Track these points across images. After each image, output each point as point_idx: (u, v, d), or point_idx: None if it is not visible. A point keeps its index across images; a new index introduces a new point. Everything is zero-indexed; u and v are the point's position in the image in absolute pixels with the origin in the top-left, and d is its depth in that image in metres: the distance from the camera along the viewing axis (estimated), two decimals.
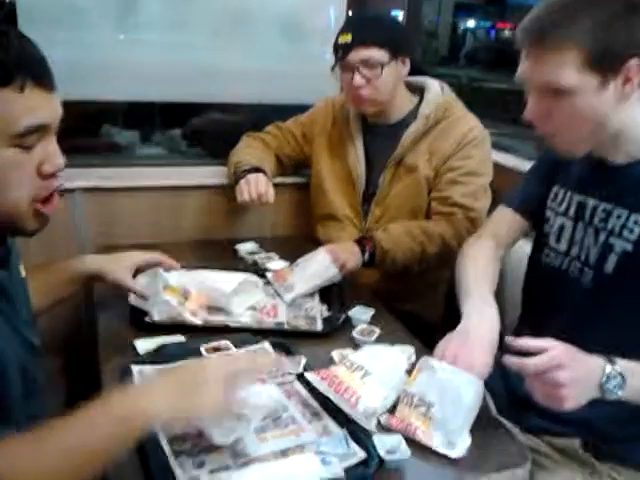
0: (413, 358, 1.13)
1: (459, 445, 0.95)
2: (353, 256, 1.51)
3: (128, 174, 1.84)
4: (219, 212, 1.93)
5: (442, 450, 0.94)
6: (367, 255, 1.54)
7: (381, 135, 1.74)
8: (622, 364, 0.94)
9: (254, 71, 2.00)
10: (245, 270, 1.49)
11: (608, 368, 0.92)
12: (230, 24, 2.00)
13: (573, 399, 0.91)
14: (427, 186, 1.68)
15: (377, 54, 1.58)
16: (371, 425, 0.98)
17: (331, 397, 1.01)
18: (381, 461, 0.90)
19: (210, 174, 1.93)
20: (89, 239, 1.77)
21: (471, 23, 11.00)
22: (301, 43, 2.11)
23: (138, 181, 1.83)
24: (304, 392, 1.07)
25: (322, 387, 1.03)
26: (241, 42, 2.01)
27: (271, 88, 2.04)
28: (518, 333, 1.28)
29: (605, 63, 0.98)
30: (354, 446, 0.92)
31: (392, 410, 1.02)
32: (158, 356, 1.14)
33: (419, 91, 1.74)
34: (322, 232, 1.82)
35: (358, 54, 1.57)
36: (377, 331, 1.28)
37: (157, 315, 1.26)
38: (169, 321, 1.26)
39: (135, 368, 1.09)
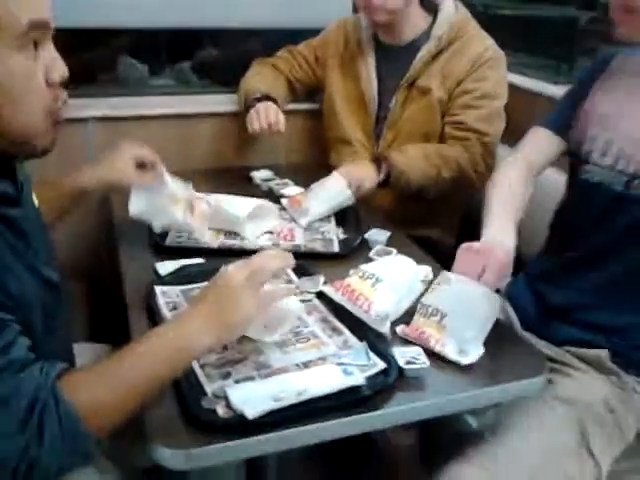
0: (430, 276, 1.15)
1: (471, 354, 0.98)
2: (369, 177, 1.51)
3: (139, 103, 1.84)
4: (232, 140, 1.92)
5: (453, 357, 0.98)
6: (382, 175, 1.54)
7: (393, 56, 1.71)
8: None
9: None
10: (260, 197, 1.49)
11: None
12: None
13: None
14: (440, 109, 1.66)
15: None
16: (384, 329, 1.02)
17: (346, 305, 1.05)
18: (400, 371, 0.93)
19: (221, 101, 1.91)
20: None
21: None
22: None
23: (149, 110, 1.82)
24: (324, 309, 1.09)
25: (337, 297, 1.07)
26: None
27: (279, 11, 1.99)
28: (542, 258, 1.31)
29: None
30: (374, 357, 0.95)
31: (408, 321, 1.05)
32: (179, 277, 1.16)
33: (433, 11, 1.69)
34: (335, 157, 1.81)
35: None
36: (394, 252, 1.30)
37: (159, 228, 1.28)
38: (184, 243, 1.29)
39: (158, 289, 1.12)
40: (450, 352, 0.98)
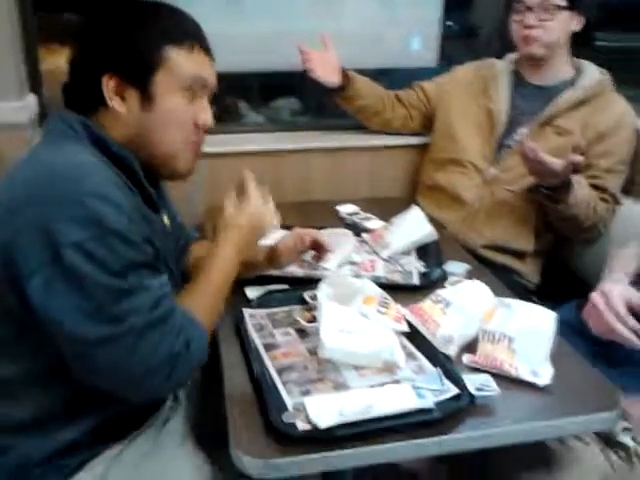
0: None
1: (544, 375, 1.01)
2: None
3: (234, 140, 1.97)
4: (320, 174, 2.01)
5: (529, 379, 1.01)
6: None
7: (532, 93, 1.79)
8: None
9: (354, 36, 2.05)
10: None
11: None
12: None
13: None
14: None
15: None
16: (449, 350, 1.07)
17: (417, 327, 1.12)
18: (472, 397, 0.96)
19: (311, 138, 2.02)
20: (198, 199, 1.91)
21: None
22: (401, 4, 2.12)
23: (242, 146, 1.95)
24: (401, 335, 1.14)
25: (411, 319, 1.14)
26: (341, 7, 2.07)
27: (370, 52, 2.10)
28: None
29: None
30: (448, 383, 0.99)
31: (472, 350, 1.09)
32: (266, 301, 1.25)
33: (576, 69, 1.78)
34: (442, 177, 1.86)
35: None
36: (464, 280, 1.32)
37: None
38: (276, 272, 1.37)
39: (246, 312, 1.21)
40: (525, 375, 1.01)
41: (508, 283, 1.47)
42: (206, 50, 1.04)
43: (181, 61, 0.99)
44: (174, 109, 1.00)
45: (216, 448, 1.01)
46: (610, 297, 1.12)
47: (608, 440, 1.13)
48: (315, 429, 0.88)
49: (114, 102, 0.98)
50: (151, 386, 0.92)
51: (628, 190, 1.74)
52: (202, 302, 1.02)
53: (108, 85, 0.97)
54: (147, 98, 0.98)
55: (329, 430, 0.87)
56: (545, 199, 1.63)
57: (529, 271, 1.79)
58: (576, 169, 1.56)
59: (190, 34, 1.02)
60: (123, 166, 0.98)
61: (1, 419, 0.96)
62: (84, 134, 0.97)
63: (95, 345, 0.86)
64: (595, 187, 1.67)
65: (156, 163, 1.03)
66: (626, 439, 1.12)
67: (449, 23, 2.21)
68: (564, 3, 1.65)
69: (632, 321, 1.11)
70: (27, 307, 0.86)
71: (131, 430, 1.07)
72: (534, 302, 1.13)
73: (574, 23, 1.69)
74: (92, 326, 0.85)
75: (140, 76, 0.98)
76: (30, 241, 0.84)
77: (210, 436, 1.05)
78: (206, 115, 1.04)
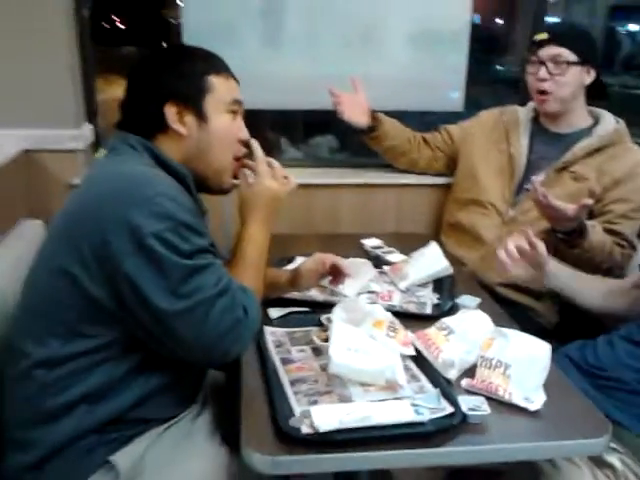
0: None
1: (536, 401, 1.09)
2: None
3: None
4: (349, 209, 2.14)
5: (522, 404, 1.08)
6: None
7: (549, 140, 1.89)
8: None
9: (384, 79, 2.18)
10: None
11: None
12: (362, 36, 2.20)
13: None
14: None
15: (566, 53, 1.75)
16: (449, 374, 1.15)
17: (422, 351, 1.21)
18: (464, 416, 1.04)
19: (342, 174, 2.16)
20: (232, 228, 2.04)
21: (631, 26, 10.34)
22: (430, 51, 2.25)
23: None
24: (407, 358, 1.23)
25: (417, 344, 1.23)
26: (372, 52, 2.21)
27: (401, 95, 2.23)
28: None
29: None
30: (444, 402, 1.07)
31: (471, 375, 1.17)
32: (286, 321, 1.37)
33: (594, 118, 1.87)
34: (465, 216, 1.95)
35: (549, 50, 1.76)
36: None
37: None
38: (298, 296, 1.48)
39: (267, 329, 1.32)
40: (518, 400, 1.09)
41: (525, 321, 1.54)
42: (235, 78, 1.27)
43: (222, 86, 1.22)
44: (224, 127, 1.23)
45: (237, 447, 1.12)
46: None
47: (597, 461, 1.19)
48: (317, 433, 0.97)
49: (176, 125, 1.18)
50: (224, 349, 1.09)
51: None
52: (248, 274, 1.20)
53: (170, 111, 1.18)
54: (202, 118, 1.20)
55: (329, 434, 0.97)
56: (560, 243, 1.70)
57: (546, 310, 1.84)
58: (591, 213, 1.64)
59: (224, 66, 1.25)
60: (178, 179, 1.17)
61: (58, 392, 1.09)
62: (144, 151, 1.17)
63: (174, 318, 1.04)
64: (611, 232, 1.73)
65: (207, 178, 1.24)
66: (614, 460, 1.17)
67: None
68: (575, 59, 1.74)
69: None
70: (115, 296, 1.05)
71: (169, 413, 1.21)
72: (550, 342, 1.16)
73: (586, 77, 1.79)
74: (173, 302, 1.03)
75: (195, 100, 1.19)
76: (118, 237, 1.03)
77: (233, 435, 1.16)
78: (244, 131, 1.27)
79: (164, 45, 1.53)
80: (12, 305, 1.21)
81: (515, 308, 1.73)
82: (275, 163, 1.30)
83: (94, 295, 1.06)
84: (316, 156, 2.53)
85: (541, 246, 1.43)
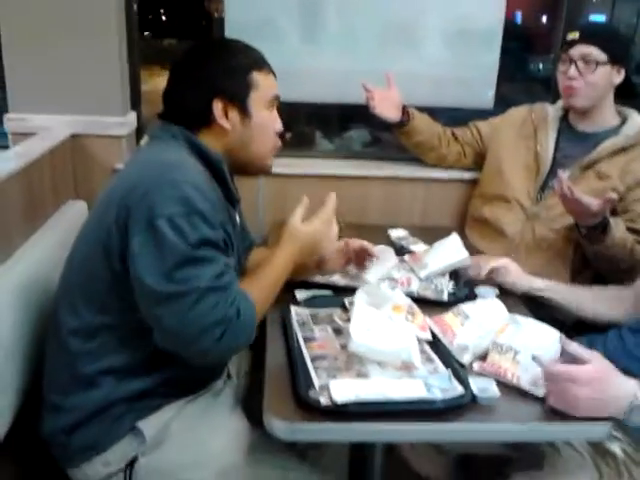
0: None
1: (542, 387, 1.13)
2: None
3: (302, 164, 2.20)
4: (377, 200, 2.20)
5: (529, 388, 1.14)
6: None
7: (576, 138, 1.92)
8: None
9: (418, 76, 2.25)
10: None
11: (637, 397, 1.04)
12: (397, 33, 2.26)
13: (585, 412, 1.05)
14: None
15: (596, 52, 1.78)
16: (463, 359, 1.22)
17: (438, 335, 1.28)
18: (474, 397, 1.11)
19: (370, 167, 2.23)
20: (263, 214, 2.15)
21: None
22: (463, 49, 2.29)
23: (310, 170, 2.17)
24: (423, 342, 1.30)
25: (434, 328, 1.30)
26: (407, 49, 2.27)
27: (435, 92, 2.30)
28: None
29: None
30: (455, 383, 1.14)
31: (484, 359, 1.23)
32: (311, 302, 1.45)
33: (622, 117, 1.90)
34: (489, 210, 2.00)
35: (580, 49, 1.79)
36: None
37: None
38: (321, 280, 1.55)
39: (293, 309, 1.40)
40: (525, 384, 1.15)
41: (546, 316, 1.58)
42: (274, 73, 1.32)
43: (265, 82, 1.28)
44: (265, 121, 1.30)
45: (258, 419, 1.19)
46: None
47: (599, 449, 1.24)
48: (334, 405, 1.05)
49: (222, 121, 1.24)
50: (203, 345, 1.08)
51: None
52: (256, 290, 1.20)
53: (217, 107, 1.24)
54: (246, 114, 1.26)
55: (345, 406, 1.04)
56: (583, 239, 1.74)
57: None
58: (613, 211, 1.67)
59: (265, 62, 1.31)
60: (213, 167, 1.24)
61: (89, 362, 1.19)
62: (183, 140, 1.24)
63: (162, 301, 1.06)
64: (633, 231, 1.76)
65: (247, 164, 1.33)
66: (616, 449, 1.22)
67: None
68: (605, 59, 1.78)
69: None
70: (126, 265, 1.10)
71: (189, 393, 1.28)
72: (569, 337, 1.20)
73: (615, 76, 1.82)
74: (163, 283, 1.06)
75: (241, 97, 1.25)
76: (138, 211, 1.09)
77: (256, 411, 1.23)
78: (280, 123, 1.34)
79: (207, 39, 1.59)
80: (57, 283, 1.29)
81: (534, 302, 1.77)
82: (335, 226, 1.36)
83: (117, 269, 1.13)
84: (349, 149, 2.60)
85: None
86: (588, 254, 1.80)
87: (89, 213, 1.34)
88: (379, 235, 1.96)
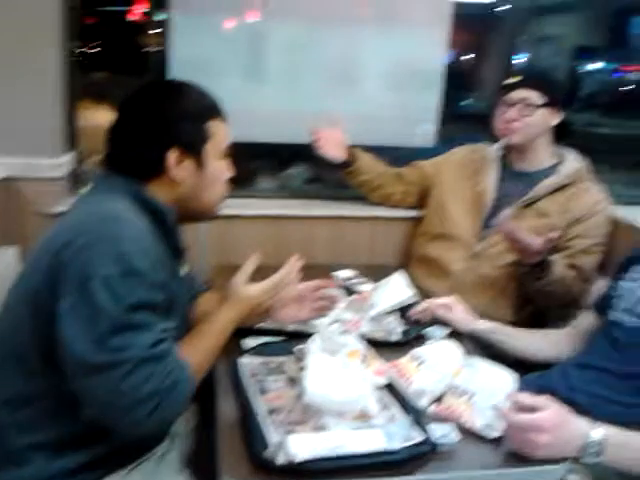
0: None
1: (497, 429, 1.13)
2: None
3: (245, 204, 2.16)
4: (323, 240, 2.19)
5: (483, 431, 1.13)
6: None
7: (515, 178, 1.97)
8: (607, 433, 1.08)
9: (361, 116, 2.26)
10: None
11: (589, 437, 1.08)
12: (341, 74, 2.30)
13: (545, 455, 1.07)
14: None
15: (535, 96, 1.86)
16: (420, 403, 1.20)
17: (395, 381, 1.26)
18: (434, 444, 1.09)
19: (314, 206, 2.22)
20: (206, 257, 2.08)
21: (593, 65, 10.76)
22: (405, 89, 2.35)
23: (252, 210, 2.14)
24: (379, 388, 1.27)
25: (390, 373, 1.28)
26: (350, 90, 2.31)
27: (378, 131, 2.33)
28: None
29: None
30: (415, 431, 1.11)
31: (438, 401, 1.22)
32: (261, 351, 1.40)
33: (558, 156, 1.97)
34: (433, 249, 2.02)
35: (520, 93, 1.87)
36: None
37: None
38: (270, 326, 1.50)
39: (243, 359, 1.35)
40: (479, 427, 1.14)
41: (491, 351, 1.59)
42: (226, 119, 1.27)
43: (220, 132, 1.23)
44: (219, 171, 1.26)
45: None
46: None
47: None
48: (292, 462, 1.00)
49: (175, 172, 1.18)
50: (135, 418, 1.00)
51: (602, 270, 1.87)
52: (196, 354, 1.14)
53: (172, 157, 1.17)
54: (200, 164, 1.21)
55: (304, 464, 1.00)
56: (525, 276, 1.78)
57: None
58: (553, 248, 1.72)
59: (221, 109, 1.25)
60: (160, 220, 1.17)
61: (19, 435, 1.09)
62: (126, 191, 1.15)
63: (92, 372, 0.98)
64: (571, 267, 1.81)
65: (199, 213, 1.28)
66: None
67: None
68: (542, 102, 1.85)
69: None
70: (55, 328, 1.00)
71: (132, 460, 1.19)
72: (515, 370, 1.24)
73: (552, 118, 1.89)
74: (94, 352, 0.97)
75: (197, 147, 1.20)
76: (71, 269, 1.01)
77: (204, 469, 1.17)
78: (230, 170, 1.30)
79: (158, 79, 1.49)
80: None
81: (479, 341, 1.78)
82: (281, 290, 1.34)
83: (44, 332, 1.03)
84: (290, 187, 2.59)
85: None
86: (529, 290, 1.84)
87: (23, 264, 1.26)
88: (326, 276, 1.93)
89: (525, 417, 1.07)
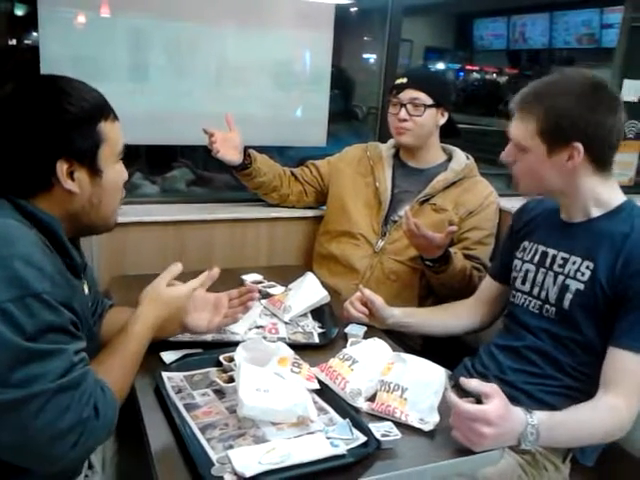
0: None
1: (430, 422, 1.16)
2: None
3: (135, 211, 2.03)
4: (222, 244, 2.12)
5: (417, 425, 1.15)
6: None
7: (410, 175, 2.03)
8: (541, 418, 1.15)
9: (250, 117, 2.22)
10: None
11: (527, 425, 1.13)
12: (228, 74, 2.25)
13: (490, 445, 1.11)
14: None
15: (423, 96, 1.92)
16: (358, 403, 1.20)
17: (328, 384, 1.24)
18: (378, 443, 1.08)
19: (211, 210, 2.14)
20: (100, 267, 1.94)
21: (440, 65, 11.47)
22: (296, 91, 2.36)
23: (144, 217, 2.01)
24: (312, 393, 1.24)
25: (322, 377, 1.26)
26: (238, 91, 2.26)
27: (270, 132, 2.31)
28: None
29: (551, 137, 1.29)
30: (356, 432, 1.11)
31: (372, 399, 1.23)
32: (182, 365, 1.32)
33: (447, 154, 2.05)
34: (335, 247, 2.03)
35: (409, 93, 1.93)
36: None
37: None
38: (188, 338, 1.43)
39: (165, 375, 1.27)
40: (414, 421, 1.16)
41: (399, 344, 1.63)
42: (117, 118, 1.12)
43: (113, 133, 1.09)
44: (116, 176, 1.13)
45: None
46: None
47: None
48: (241, 479, 0.96)
49: (68, 184, 1.04)
50: (57, 454, 0.91)
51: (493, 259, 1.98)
52: (115, 372, 1.07)
53: (61, 169, 1.02)
54: (96, 174, 1.07)
55: (254, 478, 0.95)
56: (428, 270, 1.84)
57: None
58: (451, 241, 1.79)
59: (110, 106, 1.11)
60: (47, 232, 1.02)
61: None
62: (13, 207, 1.01)
63: (1, 411, 0.87)
64: (468, 257, 1.91)
65: (96, 225, 1.15)
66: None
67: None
68: (430, 102, 1.93)
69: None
70: None
71: None
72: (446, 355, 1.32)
73: (440, 118, 1.98)
74: None
75: (90, 155, 1.06)
76: None
77: None
78: (126, 173, 1.17)
79: (30, 76, 1.25)
80: None
81: (390, 333, 1.82)
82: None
83: None
84: (173, 188, 2.49)
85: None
86: (432, 283, 1.90)
87: None
88: (230, 280, 1.88)
89: (473, 407, 1.10)
